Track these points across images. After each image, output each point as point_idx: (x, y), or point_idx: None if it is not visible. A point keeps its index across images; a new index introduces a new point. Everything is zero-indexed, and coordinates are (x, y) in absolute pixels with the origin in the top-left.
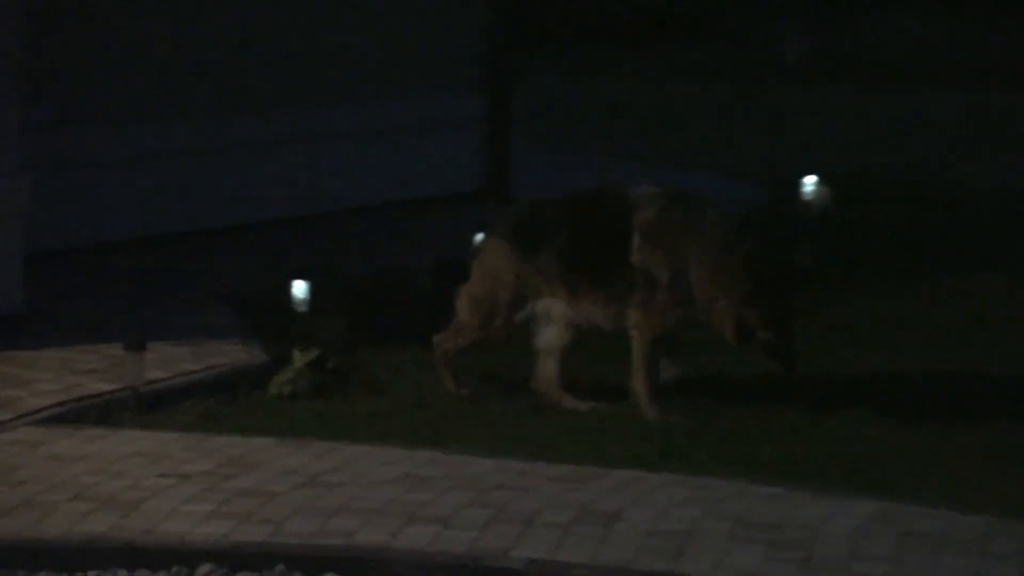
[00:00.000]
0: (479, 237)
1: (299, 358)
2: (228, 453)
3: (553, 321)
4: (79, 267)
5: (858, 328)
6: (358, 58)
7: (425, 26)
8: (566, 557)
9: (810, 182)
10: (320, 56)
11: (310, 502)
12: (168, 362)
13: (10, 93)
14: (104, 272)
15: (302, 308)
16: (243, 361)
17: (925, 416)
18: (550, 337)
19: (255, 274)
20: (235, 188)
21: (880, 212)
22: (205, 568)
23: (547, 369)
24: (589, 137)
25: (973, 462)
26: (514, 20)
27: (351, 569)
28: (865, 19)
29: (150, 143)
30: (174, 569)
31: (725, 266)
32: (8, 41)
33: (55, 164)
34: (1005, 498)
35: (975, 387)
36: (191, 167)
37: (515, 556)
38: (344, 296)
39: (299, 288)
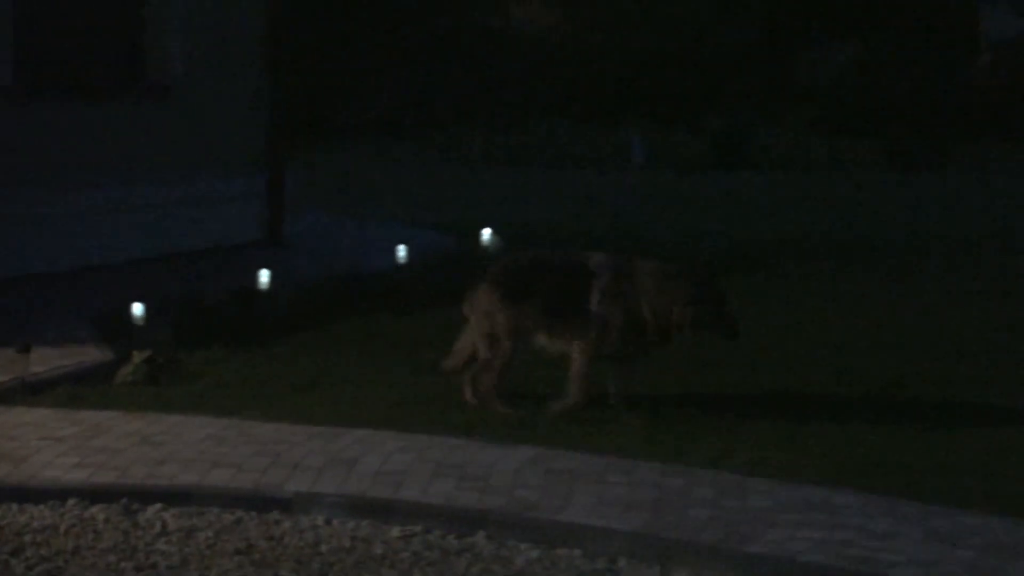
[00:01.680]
0: (264, 274)
1: (137, 357)
2: (88, 422)
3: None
4: None
5: None
6: (173, 149)
7: (224, 125)
8: (321, 489)
9: (487, 232)
10: (147, 145)
11: (144, 455)
12: (46, 360)
13: None
14: None
15: (140, 323)
16: (99, 359)
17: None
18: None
19: (105, 301)
20: (90, 238)
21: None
22: (72, 501)
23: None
24: (347, 202)
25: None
26: (289, 118)
27: (173, 500)
28: (529, 122)
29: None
30: (51, 503)
31: (668, 291)
32: None
33: None
34: (624, 439)
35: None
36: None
37: (286, 489)
38: (169, 314)
39: (137, 308)
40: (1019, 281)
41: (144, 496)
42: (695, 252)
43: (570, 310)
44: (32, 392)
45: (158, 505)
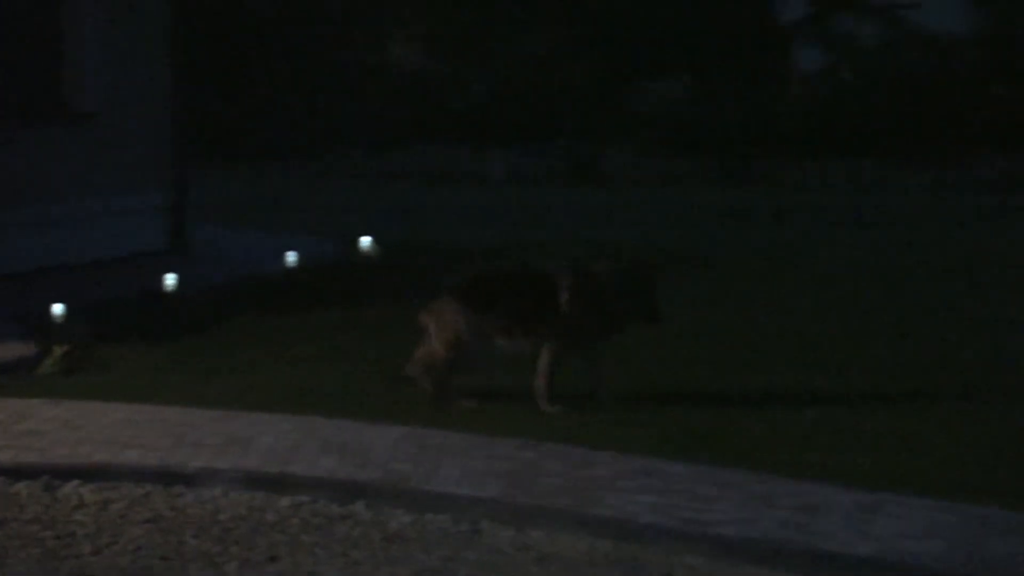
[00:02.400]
0: (170, 278)
1: (57, 350)
2: (13, 409)
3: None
4: None
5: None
6: (89, 168)
7: (135, 146)
8: (220, 465)
9: (366, 241)
10: (66, 165)
11: (64, 437)
12: None
13: None
14: None
15: (60, 321)
16: (22, 353)
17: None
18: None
19: (28, 303)
20: (14, 249)
21: (407, 259)
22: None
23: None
24: (246, 215)
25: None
26: (195, 140)
27: (89, 476)
28: (405, 144)
29: None
30: None
31: (622, 286)
32: None
33: None
34: (485, 420)
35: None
36: None
37: (189, 465)
38: (86, 313)
39: (57, 308)
40: (826, 279)
41: (63, 473)
42: (552, 256)
43: (537, 316)
44: None
45: (76, 481)
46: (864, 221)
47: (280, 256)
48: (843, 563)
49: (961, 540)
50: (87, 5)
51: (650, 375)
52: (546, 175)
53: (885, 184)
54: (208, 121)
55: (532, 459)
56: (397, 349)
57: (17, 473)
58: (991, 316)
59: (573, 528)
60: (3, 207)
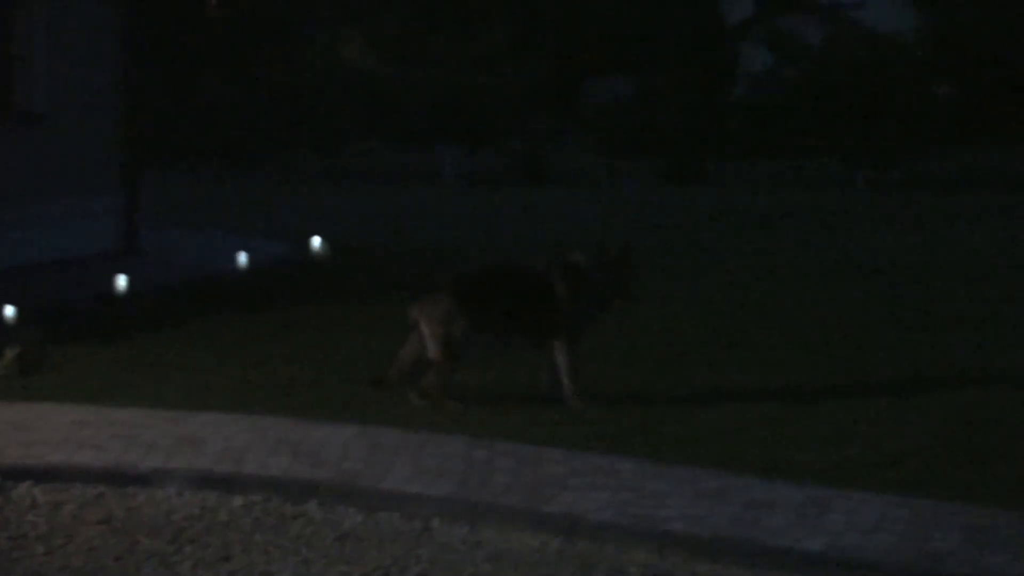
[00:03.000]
0: (122, 280)
1: (9, 353)
2: None
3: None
4: None
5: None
6: (41, 170)
7: (87, 149)
8: (173, 465)
9: (316, 241)
10: (18, 168)
11: (17, 438)
12: None
13: None
14: None
15: (12, 323)
16: None
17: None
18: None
19: None
20: None
21: (358, 259)
22: None
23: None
24: (198, 216)
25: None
26: (147, 143)
27: (42, 477)
28: (355, 146)
29: None
30: None
31: (608, 275)
32: None
33: None
34: (437, 418)
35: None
36: None
37: (142, 465)
38: (38, 314)
39: (9, 310)
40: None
41: (16, 474)
42: (502, 253)
43: (536, 312)
44: None
45: (29, 482)
46: (772, 223)
47: (232, 257)
48: (793, 558)
49: (911, 534)
50: (37, 6)
51: (599, 373)
52: (497, 176)
53: (825, 183)
54: (160, 123)
55: (484, 457)
56: (347, 348)
57: None
58: (925, 313)
59: (525, 526)
60: None
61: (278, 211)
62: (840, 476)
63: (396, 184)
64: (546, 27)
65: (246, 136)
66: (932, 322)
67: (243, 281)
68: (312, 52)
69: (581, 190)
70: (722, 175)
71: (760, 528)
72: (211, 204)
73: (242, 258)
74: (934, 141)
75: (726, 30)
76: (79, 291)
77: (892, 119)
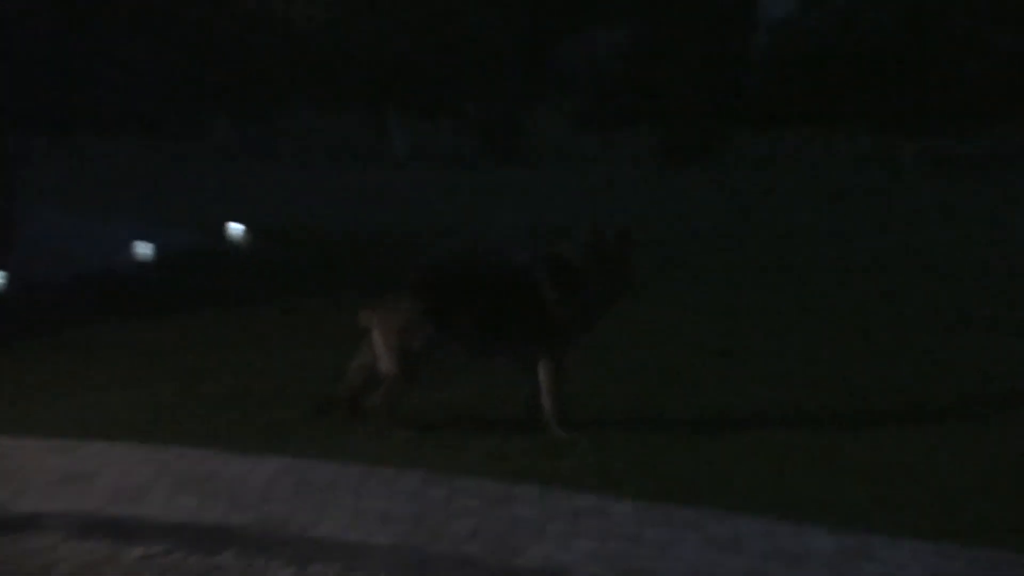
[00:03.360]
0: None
1: None
2: None
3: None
4: None
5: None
6: None
7: None
8: (54, 507)
9: (236, 228)
10: None
11: None
12: None
13: None
14: None
15: None
16: None
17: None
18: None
19: None
20: None
21: (286, 250)
22: None
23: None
24: (87, 198)
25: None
26: (23, 114)
27: None
28: (285, 114)
29: None
30: None
31: (605, 270)
32: None
33: None
34: (383, 448)
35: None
36: None
37: (16, 506)
38: None
39: None
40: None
41: None
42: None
43: (516, 320)
44: None
45: None
46: (794, 210)
47: (131, 248)
48: None
49: None
50: None
51: (585, 393)
52: (458, 152)
53: (864, 161)
54: (34, 84)
55: (441, 497)
56: (274, 362)
57: None
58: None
59: None
60: None
61: (191, 193)
62: (879, 519)
63: (336, 161)
64: None
65: (152, 102)
66: (992, 330)
67: (145, 277)
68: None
69: (560, 170)
70: (734, 152)
71: None
72: (108, 185)
73: (145, 250)
74: (998, 107)
75: None
76: None
77: (947, 79)
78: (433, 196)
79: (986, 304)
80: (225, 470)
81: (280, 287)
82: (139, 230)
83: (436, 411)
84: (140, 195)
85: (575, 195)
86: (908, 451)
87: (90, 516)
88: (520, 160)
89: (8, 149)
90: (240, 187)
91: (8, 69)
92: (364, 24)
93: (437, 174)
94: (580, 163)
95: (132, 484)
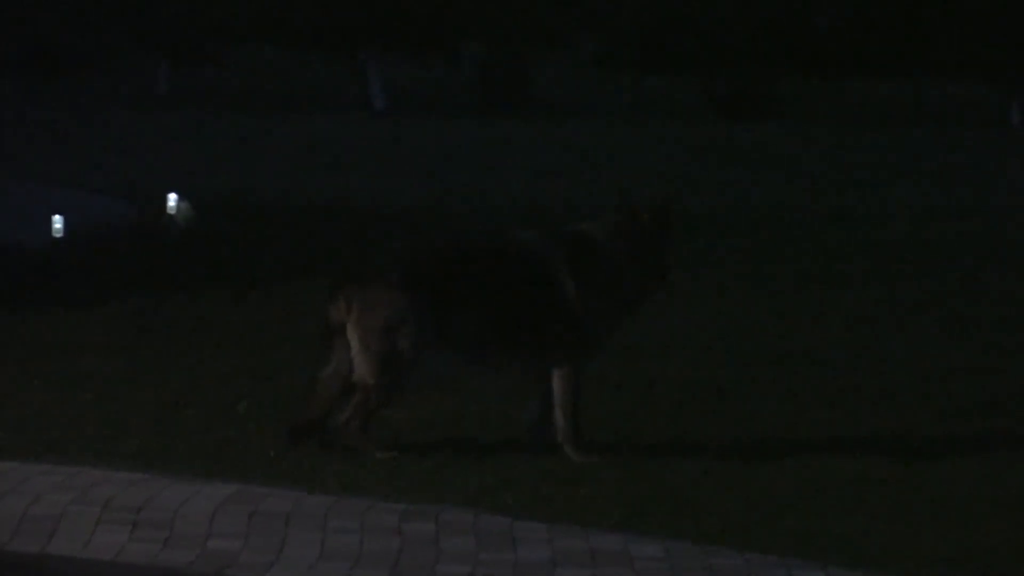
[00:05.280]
0: None
1: None
2: None
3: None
4: None
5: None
6: None
7: None
8: None
9: (173, 198)
10: None
11: None
12: None
13: None
14: None
15: None
16: None
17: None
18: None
19: None
20: None
21: (236, 226)
22: None
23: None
24: None
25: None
26: None
27: None
28: (232, 52)
29: None
30: None
31: (638, 251)
32: None
33: None
34: (355, 472)
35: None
36: None
37: None
38: None
39: None
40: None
41: None
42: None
43: (530, 316)
44: None
45: None
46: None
47: (41, 220)
48: None
49: None
50: None
51: (604, 408)
52: (451, 100)
53: (965, 118)
54: None
55: (427, 534)
56: (219, 363)
57: None
58: None
59: None
60: None
61: (117, 152)
62: (973, 571)
63: (299, 111)
64: None
65: (69, 37)
66: None
67: (61, 257)
68: None
69: (580, 125)
70: (804, 104)
71: None
72: (12, 138)
73: (56, 222)
74: None
75: None
76: None
77: None
78: (421, 157)
79: None
80: (159, 497)
81: (229, 271)
82: (52, 197)
83: (421, 429)
84: (57, 154)
85: (600, 156)
86: (1010, 487)
87: None
88: (530, 111)
89: None
90: (183, 145)
91: None
92: None
93: (425, 127)
94: (607, 116)
95: (42, 513)
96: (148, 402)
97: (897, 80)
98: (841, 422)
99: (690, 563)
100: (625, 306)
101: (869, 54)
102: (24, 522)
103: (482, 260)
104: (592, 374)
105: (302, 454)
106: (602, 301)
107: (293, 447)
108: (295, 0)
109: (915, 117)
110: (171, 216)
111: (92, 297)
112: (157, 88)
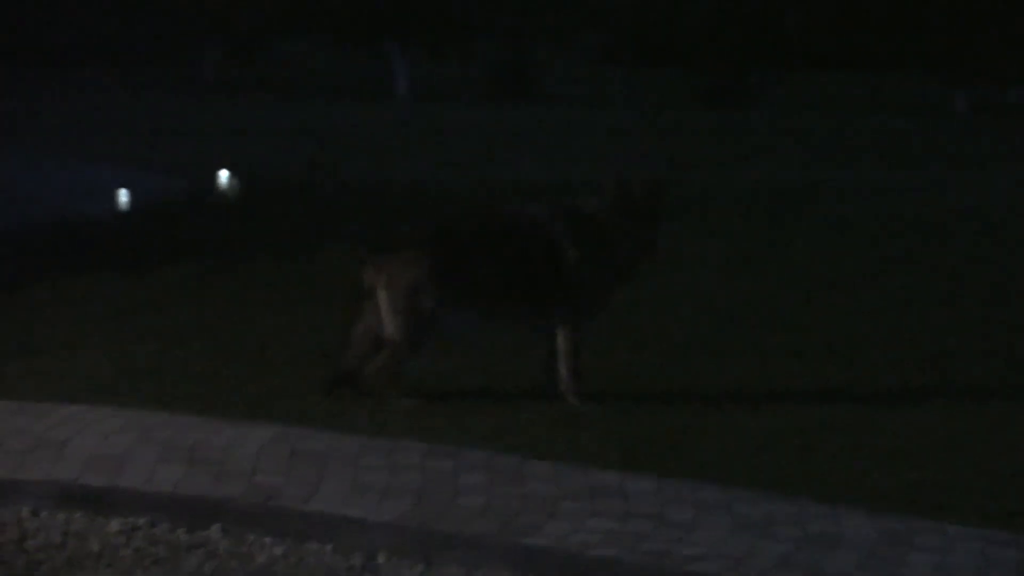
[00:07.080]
0: None
1: None
2: None
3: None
4: None
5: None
6: None
7: None
8: (26, 476)
9: (224, 175)
10: None
11: None
12: None
13: None
14: None
15: None
16: None
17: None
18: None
19: None
20: None
21: (280, 199)
22: None
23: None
24: (52, 138)
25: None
26: None
27: None
28: (274, 45)
29: None
30: None
31: (633, 225)
32: None
33: None
34: (383, 416)
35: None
36: None
37: None
38: None
39: None
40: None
41: None
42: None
43: (538, 278)
44: None
45: None
46: (841, 159)
47: (108, 195)
48: None
49: None
50: None
51: (602, 361)
52: (467, 89)
53: (916, 106)
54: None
55: (447, 471)
56: (262, 322)
57: None
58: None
59: (499, 564)
60: None
61: (171, 134)
62: (925, 503)
63: (331, 99)
64: None
65: (125, 32)
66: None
67: (123, 227)
68: None
69: (580, 112)
70: (777, 94)
71: (823, 573)
72: (77, 122)
73: (122, 196)
74: None
75: None
76: None
77: (1010, 18)
78: (439, 140)
79: None
80: (212, 439)
81: (274, 239)
82: (114, 175)
83: (442, 379)
84: (118, 136)
85: (597, 140)
86: (956, 431)
87: (65, 486)
88: (536, 99)
89: None
90: (230, 128)
91: None
92: None
93: (444, 114)
94: (605, 105)
95: (111, 452)
96: (203, 354)
97: (855, 72)
98: (810, 374)
99: (679, 497)
100: (620, 272)
101: (830, 50)
102: (93, 459)
103: (494, 231)
104: (592, 332)
105: (337, 401)
106: (599, 267)
107: (329, 395)
108: (333, 2)
109: (871, 106)
110: (222, 191)
111: (153, 263)
112: (205, 76)
